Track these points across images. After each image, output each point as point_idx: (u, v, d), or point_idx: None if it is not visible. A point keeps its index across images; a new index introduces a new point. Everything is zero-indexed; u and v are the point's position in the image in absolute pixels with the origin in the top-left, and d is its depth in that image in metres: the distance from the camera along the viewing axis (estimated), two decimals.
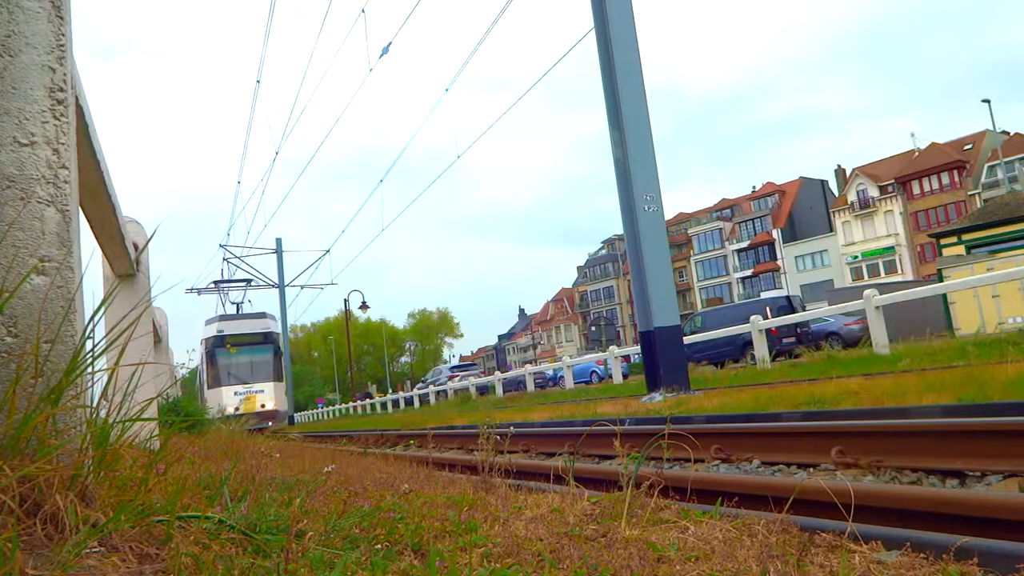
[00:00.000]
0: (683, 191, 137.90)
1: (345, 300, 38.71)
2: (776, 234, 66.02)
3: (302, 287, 35.65)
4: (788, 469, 4.22)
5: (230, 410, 25.50)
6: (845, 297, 24.08)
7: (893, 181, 57.46)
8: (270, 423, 26.13)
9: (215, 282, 34.14)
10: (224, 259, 33.51)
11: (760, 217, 68.63)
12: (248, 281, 34.22)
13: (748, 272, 68.23)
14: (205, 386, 28.25)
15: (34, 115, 1.41)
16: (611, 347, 20.86)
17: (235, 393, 27.00)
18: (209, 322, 29.22)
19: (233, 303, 34.56)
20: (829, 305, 20.66)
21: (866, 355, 10.70)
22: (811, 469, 4.02)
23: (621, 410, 8.08)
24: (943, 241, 24.06)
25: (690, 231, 73.60)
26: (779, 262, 65.41)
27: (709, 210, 76.14)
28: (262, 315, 30.04)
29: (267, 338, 28.43)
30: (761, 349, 13.61)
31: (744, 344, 18.26)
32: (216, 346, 27.72)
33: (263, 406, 27.04)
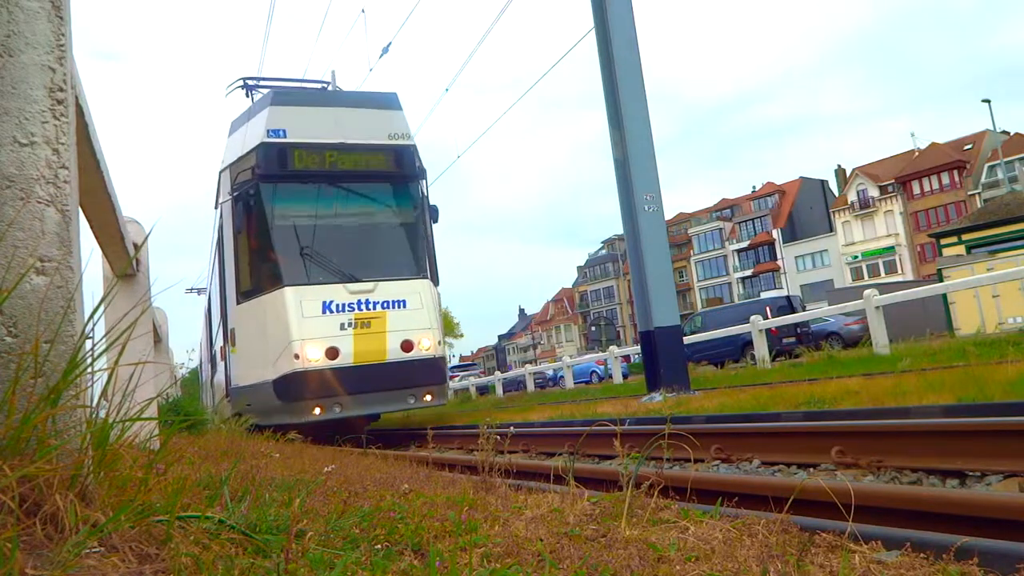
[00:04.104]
0: (683, 191, 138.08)
1: None
2: (776, 234, 65.99)
3: None
4: (788, 469, 4.22)
5: (310, 357, 9.47)
6: (845, 297, 24.08)
7: (893, 181, 57.43)
8: (428, 397, 10.23)
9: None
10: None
11: (760, 217, 68.60)
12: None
13: (748, 272, 68.20)
14: (231, 301, 10.70)
15: (34, 115, 1.40)
16: (611, 347, 20.86)
17: (326, 306, 9.82)
18: (243, 121, 11.04)
19: None
20: (829, 305, 20.66)
21: (866, 355, 10.70)
22: (811, 469, 4.02)
23: (621, 410, 8.08)
24: (943, 241, 24.05)
25: (690, 231, 73.57)
26: (779, 262, 65.38)
27: (709, 210, 76.11)
28: (382, 100, 11.31)
29: (402, 160, 10.88)
30: (761, 349, 13.60)
31: (744, 344, 18.25)
32: (266, 176, 10.09)
33: (406, 346, 10.04)
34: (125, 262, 3.57)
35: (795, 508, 1.90)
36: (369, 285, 9.99)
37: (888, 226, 57.66)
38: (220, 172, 11.24)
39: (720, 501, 2.13)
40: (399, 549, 1.49)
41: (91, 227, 3.06)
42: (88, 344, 1.41)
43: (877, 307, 11.01)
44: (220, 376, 12.35)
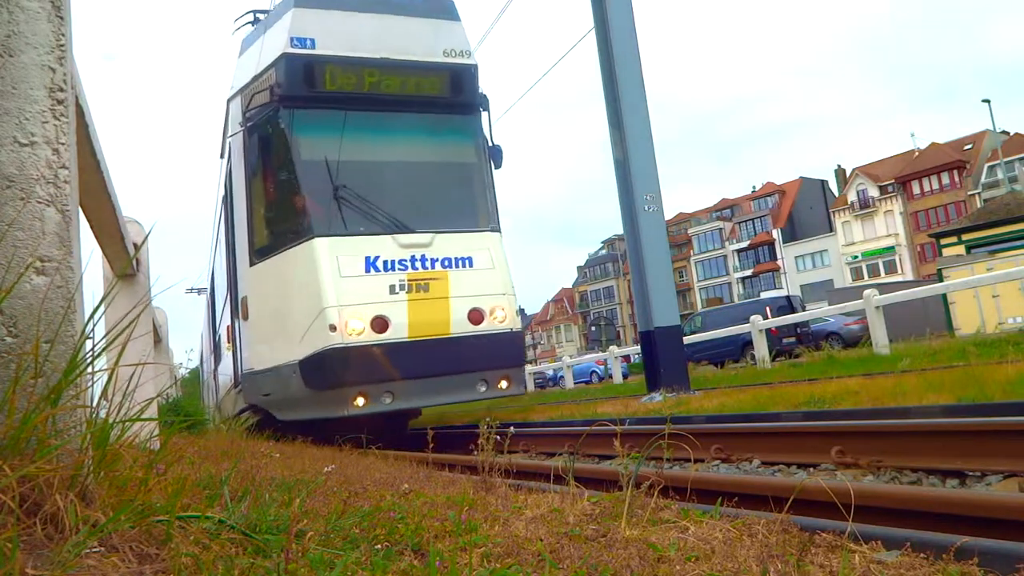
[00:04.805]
0: (683, 191, 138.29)
1: None
2: (776, 234, 66.01)
3: None
4: (788, 469, 4.22)
5: (351, 330, 7.15)
6: (845, 297, 24.08)
7: (893, 181, 57.46)
8: (504, 384, 7.93)
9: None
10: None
11: (760, 217, 68.63)
12: None
13: (748, 272, 68.23)
14: (241, 263, 8.30)
15: (34, 115, 1.41)
16: (611, 347, 20.87)
17: (371, 263, 7.50)
18: (258, 34, 8.61)
19: None
20: (829, 305, 20.67)
21: (866, 355, 10.70)
22: (811, 469, 4.02)
23: (621, 410, 8.08)
24: (943, 241, 24.08)
25: (690, 231, 73.59)
26: (779, 262, 65.40)
27: (709, 210, 76.14)
28: (437, 7, 8.77)
29: (461, 83, 8.55)
30: (761, 349, 13.61)
31: (744, 344, 18.26)
32: (289, 97, 7.76)
33: (474, 317, 7.77)
34: (125, 262, 3.57)
35: (795, 508, 1.90)
36: (424, 237, 7.79)
37: (888, 226, 57.68)
38: (228, 101, 8.86)
39: (720, 501, 2.13)
40: (399, 549, 1.49)
41: (91, 227, 3.06)
42: (88, 344, 1.41)
43: (877, 307, 11.01)
44: (227, 364, 10.31)
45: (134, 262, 3.80)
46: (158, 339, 5.62)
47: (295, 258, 7.59)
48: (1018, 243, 20.82)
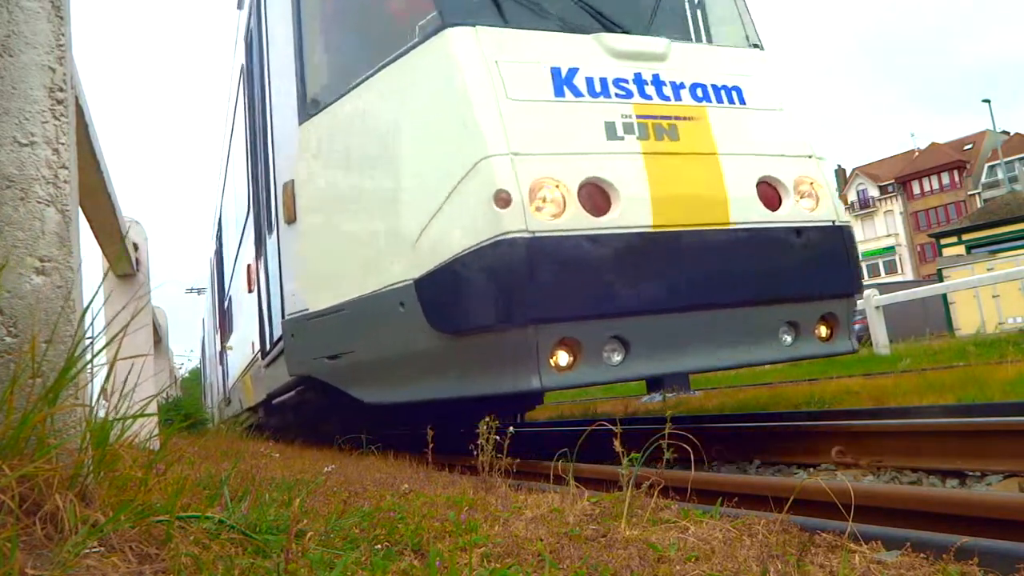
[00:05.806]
0: None
1: None
2: None
3: None
4: (788, 469, 4.22)
5: (540, 201, 3.19)
6: None
7: (893, 181, 57.47)
8: (823, 330, 4.07)
9: None
10: None
11: None
12: None
13: None
14: (285, 122, 4.50)
15: (34, 115, 1.40)
16: None
17: (563, 79, 3.57)
18: None
19: None
20: None
21: (866, 355, 10.70)
22: (811, 469, 4.02)
23: (621, 410, 8.08)
24: (943, 241, 24.11)
25: None
26: None
27: None
28: None
29: None
30: None
31: None
32: None
33: (767, 194, 3.80)
34: (125, 262, 3.58)
35: (795, 508, 1.89)
36: (655, 42, 4.17)
37: (888, 226, 57.69)
38: None
39: (720, 501, 2.13)
40: (399, 549, 1.49)
41: (91, 227, 3.07)
42: (87, 343, 1.41)
43: (877, 307, 11.01)
44: (246, 328, 6.92)
45: (134, 262, 3.80)
46: (158, 339, 5.62)
47: (410, 75, 4.00)
48: (1018, 243, 20.85)
